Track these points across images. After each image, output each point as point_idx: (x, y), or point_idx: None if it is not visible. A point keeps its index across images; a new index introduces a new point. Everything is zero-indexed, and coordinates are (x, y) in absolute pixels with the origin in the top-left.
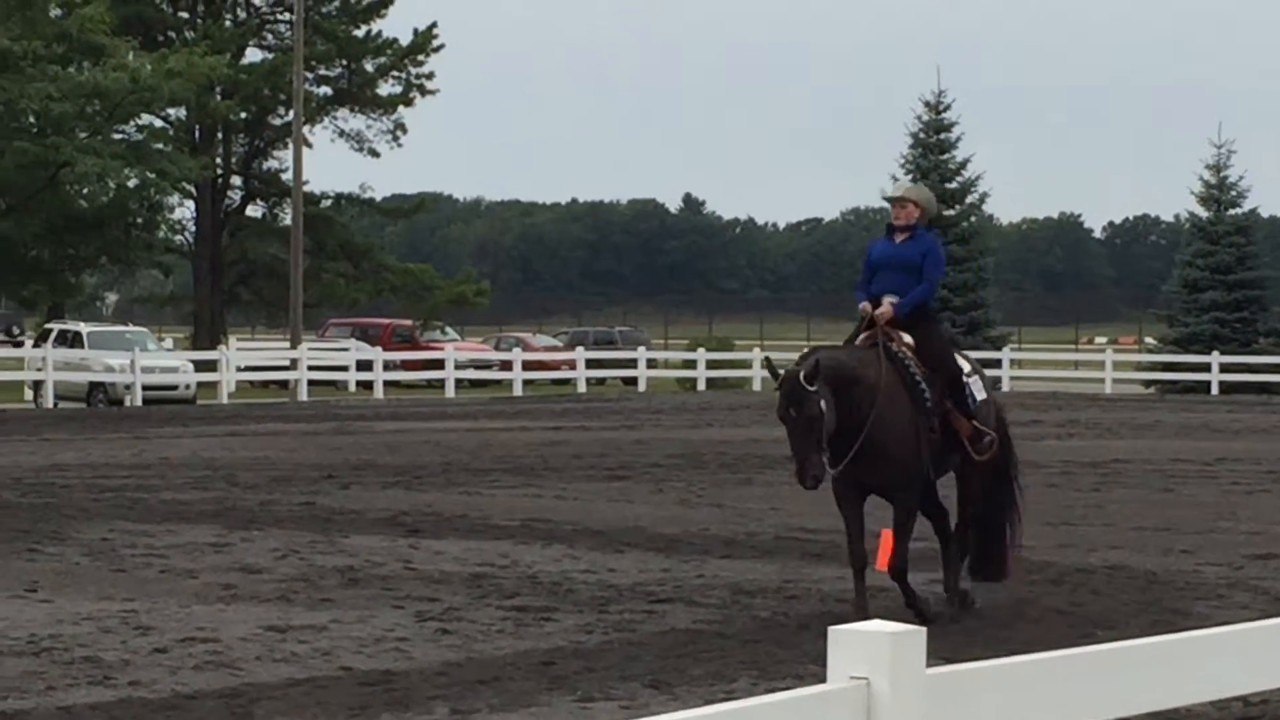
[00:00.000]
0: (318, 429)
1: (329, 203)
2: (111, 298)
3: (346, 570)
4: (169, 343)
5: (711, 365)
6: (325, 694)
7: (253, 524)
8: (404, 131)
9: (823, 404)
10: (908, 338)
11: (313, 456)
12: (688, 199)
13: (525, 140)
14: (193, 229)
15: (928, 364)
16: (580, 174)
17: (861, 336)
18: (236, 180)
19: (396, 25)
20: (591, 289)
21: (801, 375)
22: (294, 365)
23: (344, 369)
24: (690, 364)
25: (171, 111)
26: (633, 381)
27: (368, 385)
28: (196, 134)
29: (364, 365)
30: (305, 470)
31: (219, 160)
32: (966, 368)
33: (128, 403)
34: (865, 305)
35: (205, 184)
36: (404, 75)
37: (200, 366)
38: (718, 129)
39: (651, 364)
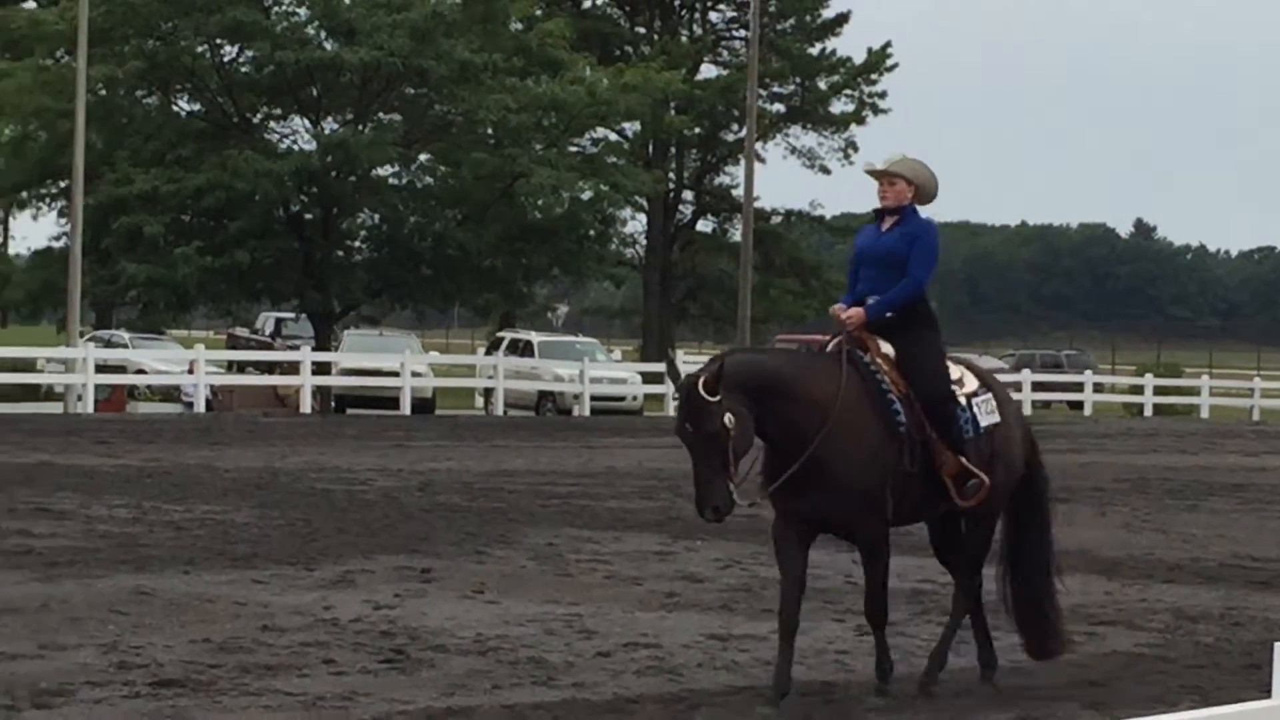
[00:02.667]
0: None
1: (779, 219)
2: (563, 309)
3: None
4: (618, 354)
5: (1159, 391)
6: (766, 703)
7: (696, 534)
8: (855, 150)
9: (729, 418)
10: (887, 347)
11: (759, 469)
12: (1139, 224)
13: (975, 161)
14: (644, 242)
15: (909, 380)
16: (1030, 196)
17: (831, 344)
18: (688, 195)
19: (851, 44)
20: (1038, 312)
21: (701, 383)
22: None
23: None
24: (1137, 389)
25: (626, 126)
26: (1078, 405)
27: None
28: (650, 148)
29: None
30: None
31: (671, 175)
32: (972, 385)
33: (575, 412)
34: (836, 309)
35: (657, 198)
36: (856, 93)
37: (648, 378)
38: (1172, 153)
39: (1098, 388)
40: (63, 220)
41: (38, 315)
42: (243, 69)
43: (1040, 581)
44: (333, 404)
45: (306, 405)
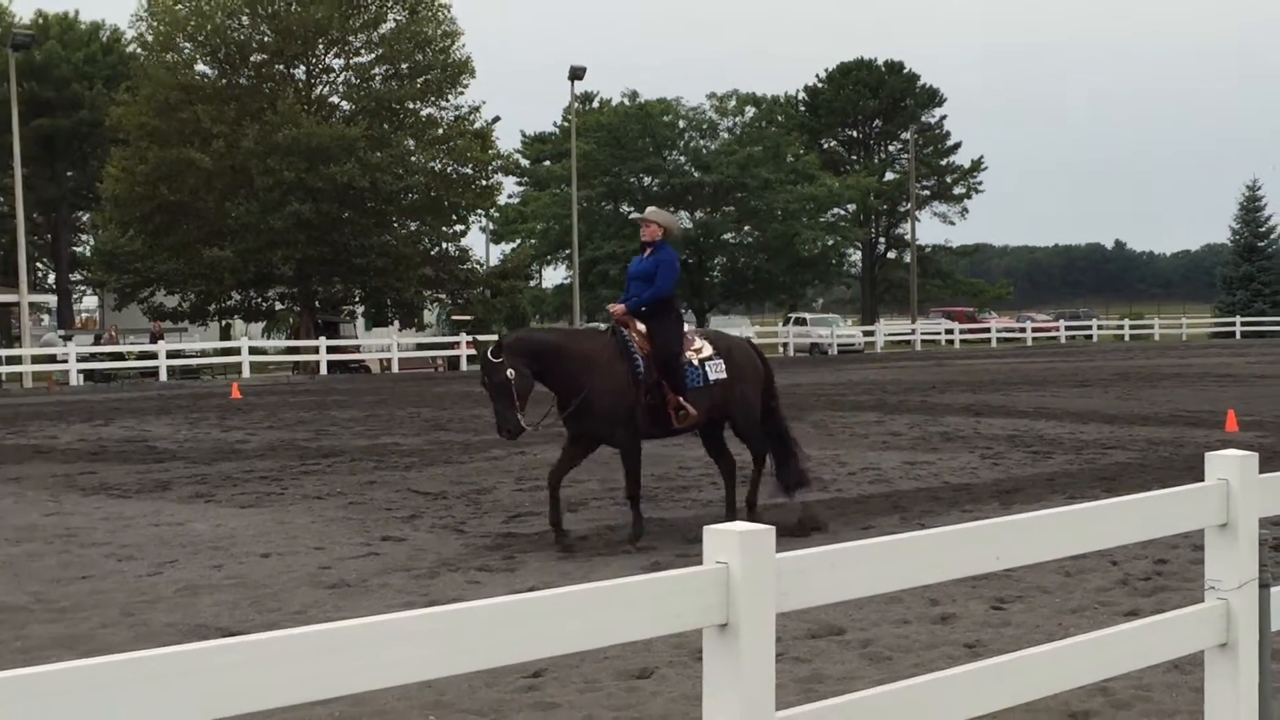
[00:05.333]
0: (926, 365)
1: (928, 249)
2: (820, 300)
3: (943, 434)
4: (850, 322)
5: (1132, 328)
6: (934, 496)
7: (900, 411)
8: (967, 211)
9: (510, 373)
10: (642, 326)
11: (923, 378)
12: (1117, 241)
13: (1032, 207)
14: (859, 265)
15: (654, 347)
16: (1059, 225)
17: (605, 326)
18: (881, 240)
19: (963, 156)
20: (1066, 291)
21: (489, 351)
22: (913, 333)
23: (938, 333)
24: (1120, 327)
25: (850, 206)
26: (1089, 337)
27: (950, 341)
28: (861, 217)
29: (948, 330)
30: (919, 386)
31: (873, 230)
32: (708, 352)
33: (829, 353)
34: (611, 305)
35: (866, 241)
36: (966, 183)
37: (866, 334)
38: (1137, 194)
39: (1100, 328)
40: (568, 270)
41: (559, 318)
42: (654, 189)
43: (787, 453)
44: None
45: None
